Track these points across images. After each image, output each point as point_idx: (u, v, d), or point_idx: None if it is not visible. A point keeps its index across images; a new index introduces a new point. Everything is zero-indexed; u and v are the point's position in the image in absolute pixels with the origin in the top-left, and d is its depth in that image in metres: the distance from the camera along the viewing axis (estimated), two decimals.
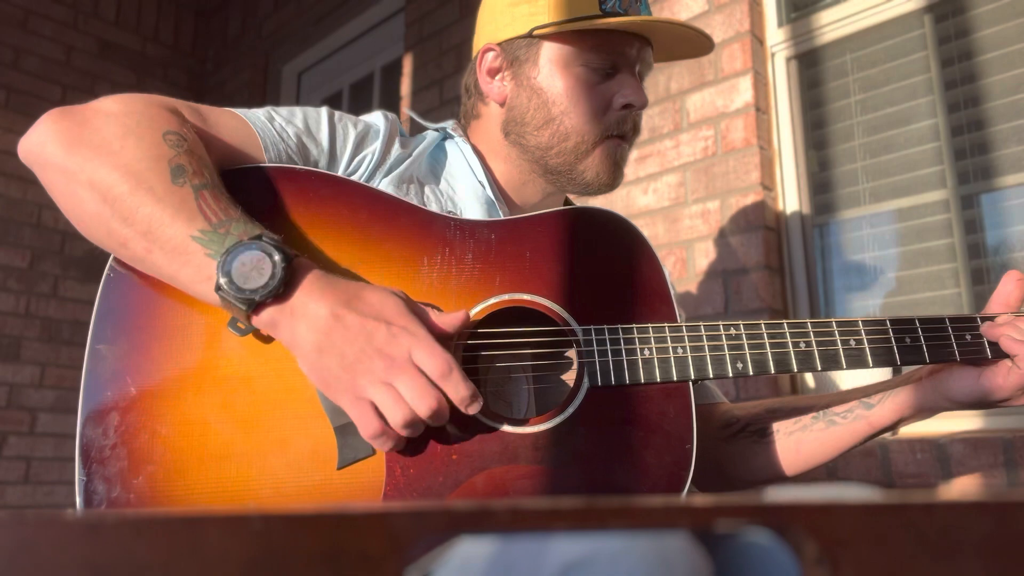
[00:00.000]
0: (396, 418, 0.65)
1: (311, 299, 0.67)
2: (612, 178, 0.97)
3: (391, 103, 3.26)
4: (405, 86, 2.92)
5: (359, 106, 3.51)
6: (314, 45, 3.59)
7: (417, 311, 0.70)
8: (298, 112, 0.89)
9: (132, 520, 0.27)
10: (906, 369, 0.91)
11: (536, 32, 0.93)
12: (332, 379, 0.67)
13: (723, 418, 0.99)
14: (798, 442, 0.94)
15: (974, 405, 0.84)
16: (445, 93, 2.74)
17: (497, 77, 0.98)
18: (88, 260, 3.41)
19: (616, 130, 0.95)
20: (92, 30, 3.64)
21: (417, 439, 0.71)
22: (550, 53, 0.94)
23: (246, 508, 0.30)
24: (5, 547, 0.26)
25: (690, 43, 1.01)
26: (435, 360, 0.65)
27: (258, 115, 0.86)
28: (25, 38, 3.40)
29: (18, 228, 3.25)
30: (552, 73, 0.94)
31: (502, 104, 0.99)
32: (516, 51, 0.96)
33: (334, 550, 0.26)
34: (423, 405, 0.64)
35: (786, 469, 0.95)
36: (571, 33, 0.93)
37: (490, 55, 0.98)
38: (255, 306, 0.67)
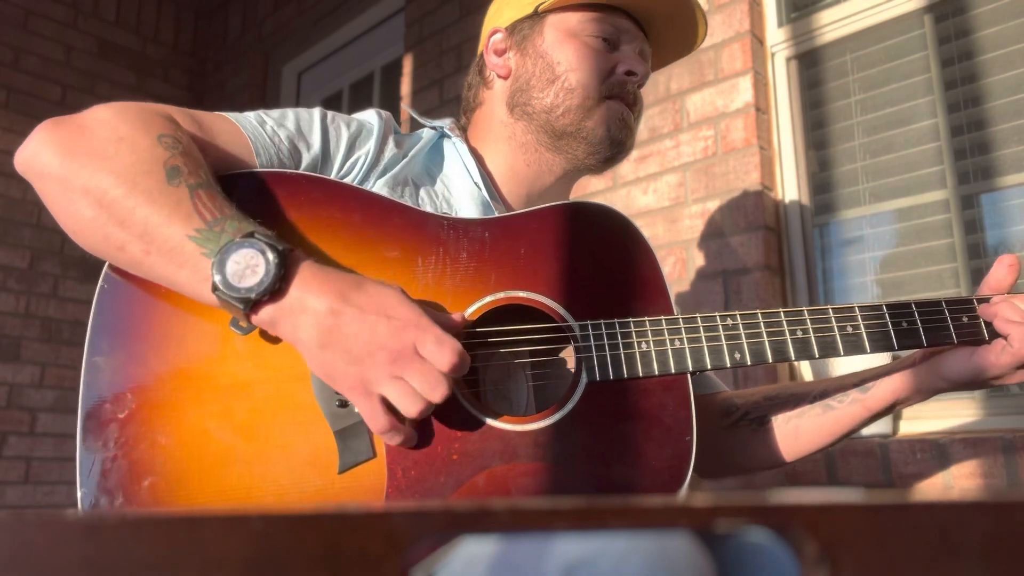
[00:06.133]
0: (410, 410, 0.65)
1: (308, 293, 0.67)
2: (623, 134, 0.97)
3: (391, 103, 3.26)
4: (405, 86, 2.92)
5: (359, 106, 3.50)
6: (314, 45, 3.59)
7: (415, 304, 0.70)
8: (290, 114, 0.88)
9: (132, 520, 0.27)
10: (903, 355, 0.92)
11: (541, 8, 0.97)
12: (339, 375, 0.66)
13: (723, 407, 1.00)
14: (796, 428, 0.95)
15: (968, 384, 0.85)
16: (445, 93, 2.74)
17: (504, 56, 1.01)
18: (88, 260, 3.40)
19: (619, 91, 0.96)
20: (92, 30, 3.64)
21: (418, 440, 0.71)
22: (555, 23, 0.97)
23: (246, 508, 0.30)
24: (5, 547, 0.26)
25: (681, 29, 1.04)
26: (443, 352, 0.65)
27: (249, 119, 0.85)
28: (25, 38, 3.40)
29: (18, 228, 3.25)
30: (557, 39, 0.96)
31: (507, 78, 1.00)
32: (522, 29, 1.00)
33: (334, 550, 0.26)
34: (436, 394, 0.65)
35: (785, 455, 0.97)
36: (574, 7, 0.96)
37: (497, 36, 1.01)
38: (252, 305, 0.66)
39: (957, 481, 1.47)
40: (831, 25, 1.97)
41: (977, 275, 1.68)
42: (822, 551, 0.26)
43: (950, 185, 1.74)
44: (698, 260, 1.94)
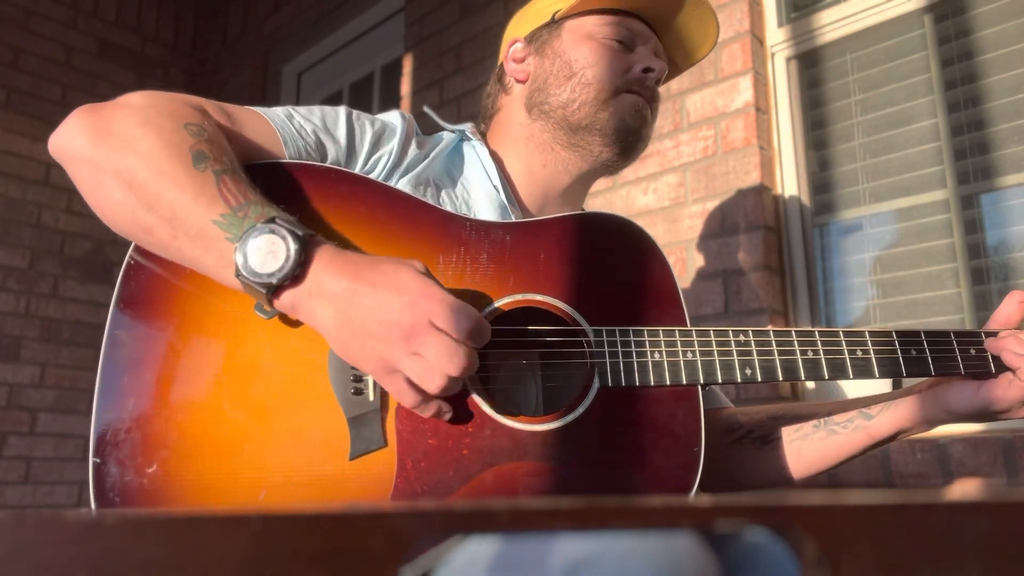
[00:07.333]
0: (431, 386, 0.65)
1: (326, 276, 0.68)
2: (638, 122, 0.97)
3: (391, 103, 3.26)
4: (405, 86, 2.92)
5: (359, 106, 3.50)
6: (314, 45, 3.59)
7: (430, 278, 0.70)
8: (316, 111, 0.90)
9: (132, 520, 0.27)
10: (907, 382, 0.92)
11: (558, 16, 1.00)
12: (360, 356, 0.67)
13: (727, 423, 1.00)
14: (799, 450, 0.95)
15: (973, 417, 0.85)
16: (445, 93, 2.74)
17: (523, 63, 1.04)
18: (88, 260, 3.41)
19: (636, 86, 0.98)
20: (92, 30, 3.64)
21: (428, 433, 0.72)
22: (572, 27, 1.00)
23: (246, 508, 0.30)
24: (5, 547, 0.26)
25: (695, 31, 1.06)
26: (459, 318, 0.65)
27: (277, 113, 0.87)
28: (25, 38, 3.40)
29: (18, 228, 3.25)
30: (575, 41, 0.99)
31: (526, 81, 1.03)
32: (540, 36, 1.02)
33: (334, 550, 0.26)
34: (453, 365, 0.64)
35: (787, 475, 0.97)
36: (590, 12, 1.00)
37: (517, 46, 1.04)
38: (274, 290, 0.68)
39: (957, 481, 1.47)
40: (831, 25, 1.97)
41: (977, 275, 1.68)
42: (822, 551, 0.26)
43: (950, 185, 1.74)
44: (698, 260, 1.94)
